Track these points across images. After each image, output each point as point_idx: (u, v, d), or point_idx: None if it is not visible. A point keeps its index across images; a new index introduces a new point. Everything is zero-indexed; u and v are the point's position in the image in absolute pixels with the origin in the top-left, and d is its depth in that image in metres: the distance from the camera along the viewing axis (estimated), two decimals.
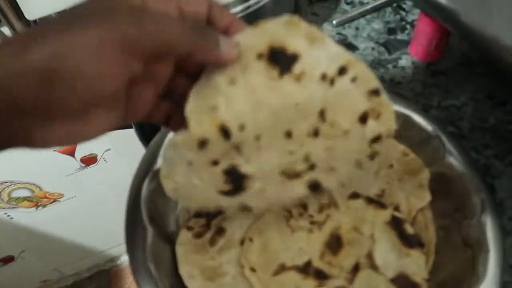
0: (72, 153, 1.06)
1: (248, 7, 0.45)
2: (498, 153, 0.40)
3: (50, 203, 1.16)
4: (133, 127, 0.74)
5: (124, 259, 1.39)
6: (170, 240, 0.33)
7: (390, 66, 0.49)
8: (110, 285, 1.41)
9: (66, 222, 1.21)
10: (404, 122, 0.37)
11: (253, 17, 0.45)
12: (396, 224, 0.32)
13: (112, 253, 1.41)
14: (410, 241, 0.31)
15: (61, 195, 1.15)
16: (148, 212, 0.32)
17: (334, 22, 0.53)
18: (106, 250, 1.38)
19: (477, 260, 0.29)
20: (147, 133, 0.77)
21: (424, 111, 0.37)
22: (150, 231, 0.31)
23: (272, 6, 0.48)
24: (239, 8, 0.45)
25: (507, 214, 0.36)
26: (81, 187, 1.15)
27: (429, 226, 0.33)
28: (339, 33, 0.53)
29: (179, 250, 0.32)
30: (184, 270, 0.31)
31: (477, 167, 0.34)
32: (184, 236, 0.33)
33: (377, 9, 0.55)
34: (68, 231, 1.24)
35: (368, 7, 0.54)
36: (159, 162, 0.34)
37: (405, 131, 0.36)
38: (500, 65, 0.38)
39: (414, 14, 0.54)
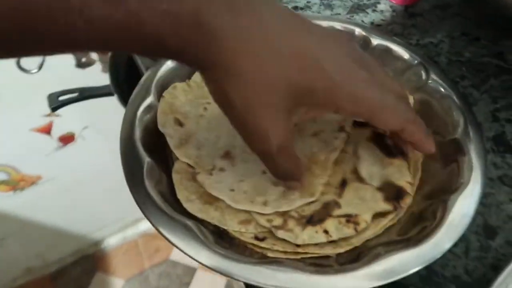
0: (48, 132, 1.03)
1: None
2: (474, 83, 0.42)
3: (28, 186, 1.13)
4: (114, 93, 0.73)
5: (108, 243, 1.37)
6: (166, 171, 0.33)
7: (369, 10, 0.50)
8: (95, 269, 1.40)
9: (46, 206, 1.18)
10: (388, 53, 0.38)
11: None
12: (377, 138, 0.33)
13: (96, 237, 1.38)
14: (391, 151, 0.33)
15: (39, 177, 1.12)
16: (144, 144, 0.32)
17: None
18: (90, 233, 1.36)
19: (461, 168, 0.31)
20: (128, 98, 0.76)
21: (403, 43, 0.39)
22: (147, 160, 0.31)
23: None
24: None
25: (485, 135, 0.39)
26: (60, 168, 1.13)
27: None
28: None
29: (175, 177, 0.32)
30: (181, 195, 0.31)
31: (458, 90, 0.36)
32: (180, 166, 0.33)
33: None
34: (49, 214, 1.21)
35: None
36: (151, 97, 0.35)
37: (390, 61, 0.38)
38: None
39: None
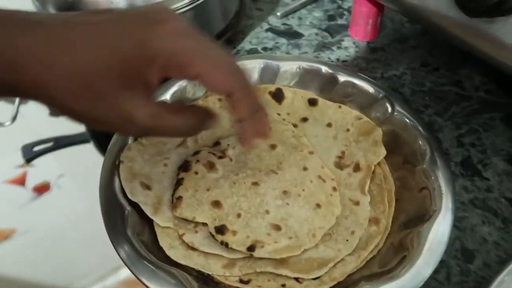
0: (22, 183, 1.00)
1: (194, 1, 0.47)
2: (437, 111, 0.45)
3: (2, 241, 1.08)
4: (91, 140, 0.72)
5: None
6: (147, 217, 0.33)
7: (334, 48, 0.52)
8: None
9: (22, 259, 1.13)
10: (354, 89, 0.40)
11: (199, 11, 0.47)
12: None
13: None
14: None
15: (13, 231, 1.08)
16: (124, 194, 0.32)
17: (278, 14, 0.57)
18: (69, 285, 1.30)
19: (433, 196, 0.32)
20: (105, 144, 0.75)
21: (368, 79, 0.41)
22: (127, 209, 0.31)
23: (218, 1, 0.50)
24: (185, 1, 0.46)
25: (453, 161, 0.40)
26: (35, 219, 1.09)
27: (388, 177, 0.36)
28: (284, 24, 0.56)
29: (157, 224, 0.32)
30: (164, 242, 0.31)
31: (422, 120, 0.38)
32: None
33: (315, 0, 0.59)
34: (26, 269, 1.16)
35: None
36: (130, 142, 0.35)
37: (357, 96, 0.40)
38: (430, 28, 0.43)
39: (349, 2, 0.58)
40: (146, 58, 0.23)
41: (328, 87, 0.40)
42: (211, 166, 0.34)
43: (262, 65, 0.41)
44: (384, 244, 0.32)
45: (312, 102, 0.40)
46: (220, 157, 0.35)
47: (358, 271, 0.31)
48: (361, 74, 0.41)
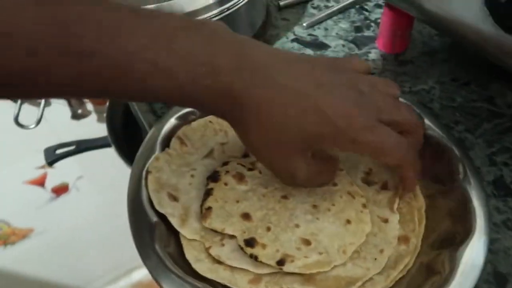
0: (42, 183, 1.02)
1: (223, 11, 0.47)
2: (468, 128, 0.43)
3: (20, 240, 1.10)
4: (112, 145, 0.73)
5: None
6: (173, 229, 0.32)
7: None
8: None
9: (38, 259, 1.14)
10: None
11: (226, 21, 0.47)
12: None
13: None
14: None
15: (31, 230, 1.10)
16: (151, 205, 0.32)
17: (304, 24, 0.56)
18: (83, 286, 1.31)
19: (466, 217, 0.31)
20: (125, 149, 0.76)
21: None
22: (154, 221, 0.31)
23: (245, 11, 0.50)
24: (214, 11, 0.47)
25: (485, 180, 0.39)
26: (53, 220, 1.11)
27: (417, 194, 0.35)
28: (310, 34, 0.55)
29: (184, 236, 0.32)
30: (190, 255, 0.30)
31: (453, 136, 0.37)
32: None
33: (342, 10, 0.59)
34: (41, 268, 1.18)
35: (334, 9, 0.58)
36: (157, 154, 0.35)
37: None
38: (461, 42, 0.42)
39: (376, 13, 0.58)
40: (337, 138, 0.28)
41: None
42: (240, 178, 0.34)
43: None
44: (413, 264, 0.31)
45: None
46: (250, 169, 0.35)
47: None
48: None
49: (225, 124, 0.38)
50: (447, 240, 0.31)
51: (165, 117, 0.37)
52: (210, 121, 0.38)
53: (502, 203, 0.37)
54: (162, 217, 0.32)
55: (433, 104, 0.46)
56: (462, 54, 0.51)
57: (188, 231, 0.31)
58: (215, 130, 0.38)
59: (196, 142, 0.37)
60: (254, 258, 0.30)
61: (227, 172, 0.34)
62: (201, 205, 0.32)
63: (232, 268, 0.30)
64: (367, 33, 0.55)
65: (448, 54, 0.52)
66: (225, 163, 0.35)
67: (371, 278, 0.30)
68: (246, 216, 0.32)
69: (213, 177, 0.34)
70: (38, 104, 0.67)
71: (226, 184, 0.33)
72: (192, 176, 0.35)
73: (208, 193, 0.33)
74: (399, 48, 0.52)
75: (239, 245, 0.30)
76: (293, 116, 0.27)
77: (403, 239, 0.32)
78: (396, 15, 0.49)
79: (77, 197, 1.09)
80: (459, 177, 0.34)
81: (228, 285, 0.30)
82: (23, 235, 1.11)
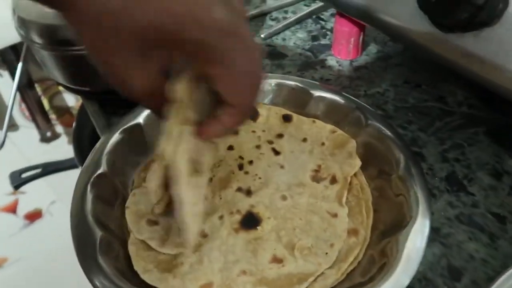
0: (13, 211, 0.99)
1: None
2: (421, 127, 0.44)
3: None
4: (79, 166, 0.72)
5: None
6: (121, 243, 0.32)
7: (318, 67, 0.53)
8: None
9: None
10: (327, 103, 0.40)
11: None
12: None
13: None
14: None
15: (5, 260, 1.06)
16: (96, 217, 0.32)
17: (262, 35, 0.58)
18: None
19: (409, 203, 0.32)
20: None
21: (340, 93, 0.41)
22: (100, 236, 0.30)
23: None
24: None
25: (438, 176, 0.40)
26: (27, 247, 1.07)
27: (364, 188, 0.36)
28: (268, 45, 0.57)
29: (132, 248, 0.31)
30: (138, 265, 0.30)
31: (394, 129, 0.38)
32: (134, 236, 0.32)
33: (299, 21, 0.60)
34: None
35: (291, 19, 0.59)
36: (102, 168, 0.35)
37: (330, 111, 0.40)
38: (407, 45, 0.43)
39: (332, 22, 0.59)
40: (184, 39, 0.22)
41: (301, 103, 0.41)
42: None
43: None
44: (364, 255, 0.32)
45: (287, 118, 0.40)
46: None
47: (339, 284, 0.30)
48: (332, 88, 0.42)
49: None
50: (394, 228, 0.32)
51: (111, 132, 0.37)
52: None
53: (455, 198, 0.38)
54: (110, 232, 0.31)
55: (387, 106, 0.47)
56: (414, 58, 0.53)
57: (169, 249, 0.31)
58: None
59: None
60: None
61: None
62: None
63: (183, 275, 0.30)
64: (323, 41, 0.57)
65: (401, 58, 0.53)
66: None
67: (323, 273, 0.30)
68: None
69: None
70: (1, 127, 0.66)
71: None
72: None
73: None
74: (353, 55, 0.53)
75: None
76: (130, 4, 0.21)
77: (353, 232, 0.33)
78: (347, 22, 0.50)
79: (52, 222, 1.06)
80: (400, 166, 0.34)
81: None
82: None
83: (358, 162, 0.36)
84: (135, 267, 0.30)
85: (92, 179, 0.33)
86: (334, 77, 0.51)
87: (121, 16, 0.21)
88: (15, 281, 1.10)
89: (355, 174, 0.36)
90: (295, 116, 0.40)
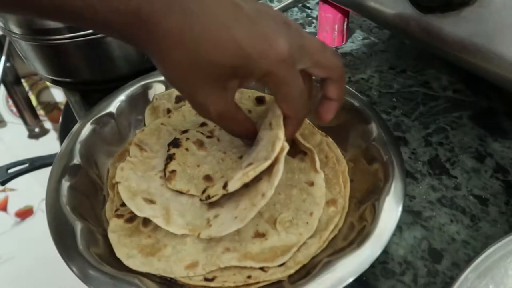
0: (4, 208, 0.99)
1: None
2: (405, 112, 0.44)
3: None
4: None
5: None
6: (101, 232, 0.31)
7: None
8: None
9: None
10: None
11: None
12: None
13: None
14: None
15: None
16: (73, 209, 0.31)
17: None
18: None
19: (383, 169, 0.33)
20: None
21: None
22: (78, 225, 0.30)
23: None
24: None
25: (420, 160, 0.39)
26: (19, 246, 1.07)
27: (340, 159, 0.36)
28: None
29: (112, 236, 0.31)
30: (121, 252, 0.30)
31: (362, 99, 0.38)
32: (115, 223, 0.32)
33: (284, 10, 0.60)
34: None
35: (276, 8, 0.59)
36: (76, 159, 0.34)
37: None
38: (391, 31, 0.43)
39: (317, 11, 0.59)
40: (254, 71, 0.26)
41: None
42: (200, 144, 0.36)
43: None
44: (344, 223, 0.32)
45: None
46: (208, 137, 0.36)
47: (322, 252, 0.31)
48: None
49: (178, 124, 0.38)
50: (370, 194, 0.32)
51: (84, 121, 0.37)
52: (162, 123, 0.38)
53: (437, 181, 0.38)
54: (87, 222, 0.31)
55: (371, 92, 0.47)
56: (399, 44, 0.52)
57: (175, 228, 0.30)
58: (168, 131, 0.38)
59: (154, 146, 0.37)
60: (206, 198, 0.31)
61: (187, 139, 0.36)
62: (164, 169, 0.34)
63: (167, 257, 0.30)
64: (309, 29, 0.56)
65: (386, 45, 0.53)
66: (184, 131, 0.37)
67: (305, 243, 0.31)
68: (207, 178, 0.34)
69: (174, 143, 0.35)
70: None
71: (187, 149, 0.35)
72: (161, 177, 0.34)
73: (170, 157, 0.34)
74: (338, 42, 0.53)
75: (200, 199, 0.32)
76: (206, 47, 0.25)
77: (331, 202, 0.33)
78: (331, 9, 0.50)
79: (43, 219, 1.05)
80: (373, 136, 0.35)
81: (164, 275, 0.29)
82: None
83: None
84: (118, 255, 0.30)
85: (66, 170, 0.33)
86: None
87: (198, 56, 0.25)
88: (8, 279, 1.09)
89: (330, 147, 0.37)
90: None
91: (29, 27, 0.45)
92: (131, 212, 0.32)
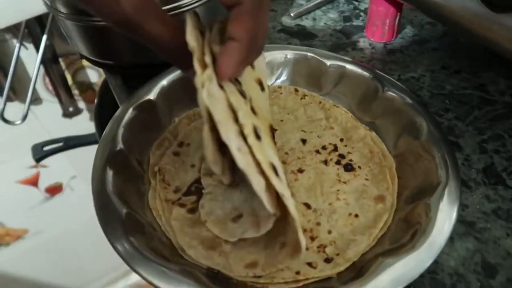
0: (35, 183, 1.01)
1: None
2: (458, 115, 0.42)
3: (14, 241, 1.09)
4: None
5: None
6: (146, 220, 0.31)
7: (349, 49, 0.50)
8: None
9: (33, 260, 1.13)
10: (342, 73, 0.40)
11: (210, 9, 0.46)
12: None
13: None
14: None
15: (26, 231, 1.09)
16: (118, 194, 0.31)
17: (292, 14, 0.55)
18: None
19: (437, 168, 0.31)
20: None
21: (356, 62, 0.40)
22: (125, 212, 0.30)
23: None
24: None
25: (475, 168, 0.37)
26: (47, 221, 1.09)
27: (386, 155, 0.35)
28: (297, 25, 0.54)
29: (175, 224, 0.30)
30: (183, 241, 0.29)
31: (412, 95, 0.37)
32: (178, 212, 0.32)
33: (330, 1, 0.57)
34: (37, 270, 1.16)
35: None
36: (119, 145, 0.34)
37: (345, 82, 0.40)
38: (451, 27, 0.41)
39: (366, 3, 0.56)
40: None
41: (316, 74, 0.40)
42: None
43: None
44: (392, 221, 0.31)
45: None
46: None
47: (371, 249, 0.30)
48: (347, 58, 0.41)
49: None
50: (419, 194, 0.31)
51: (124, 107, 0.36)
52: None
53: (493, 191, 0.36)
54: (129, 207, 0.31)
55: (422, 92, 0.44)
56: (454, 43, 0.50)
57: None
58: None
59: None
60: None
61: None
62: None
63: (227, 253, 0.29)
64: (356, 22, 0.54)
65: (439, 43, 0.50)
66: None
67: (354, 239, 0.30)
68: None
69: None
70: (25, 101, 0.66)
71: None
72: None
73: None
74: (388, 37, 0.50)
75: None
76: None
77: (379, 198, 0.32)
78: (384, 3, 0.47)
79: (72, 197, 1.08)
80: (423, 132, 0.34)
81: (223, 271, 0.29)
82: (17, 236, 1.10)
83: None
84: (180, 242, 0.29)
85: (110, 156, 0.32)
86: (366, 60, 0.49)
87: None
88: (35, 252, 1.13)
89: (375, 143, 0.36)
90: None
91: (75, 7, 0.44)
92: (193, 202, 0.32)
